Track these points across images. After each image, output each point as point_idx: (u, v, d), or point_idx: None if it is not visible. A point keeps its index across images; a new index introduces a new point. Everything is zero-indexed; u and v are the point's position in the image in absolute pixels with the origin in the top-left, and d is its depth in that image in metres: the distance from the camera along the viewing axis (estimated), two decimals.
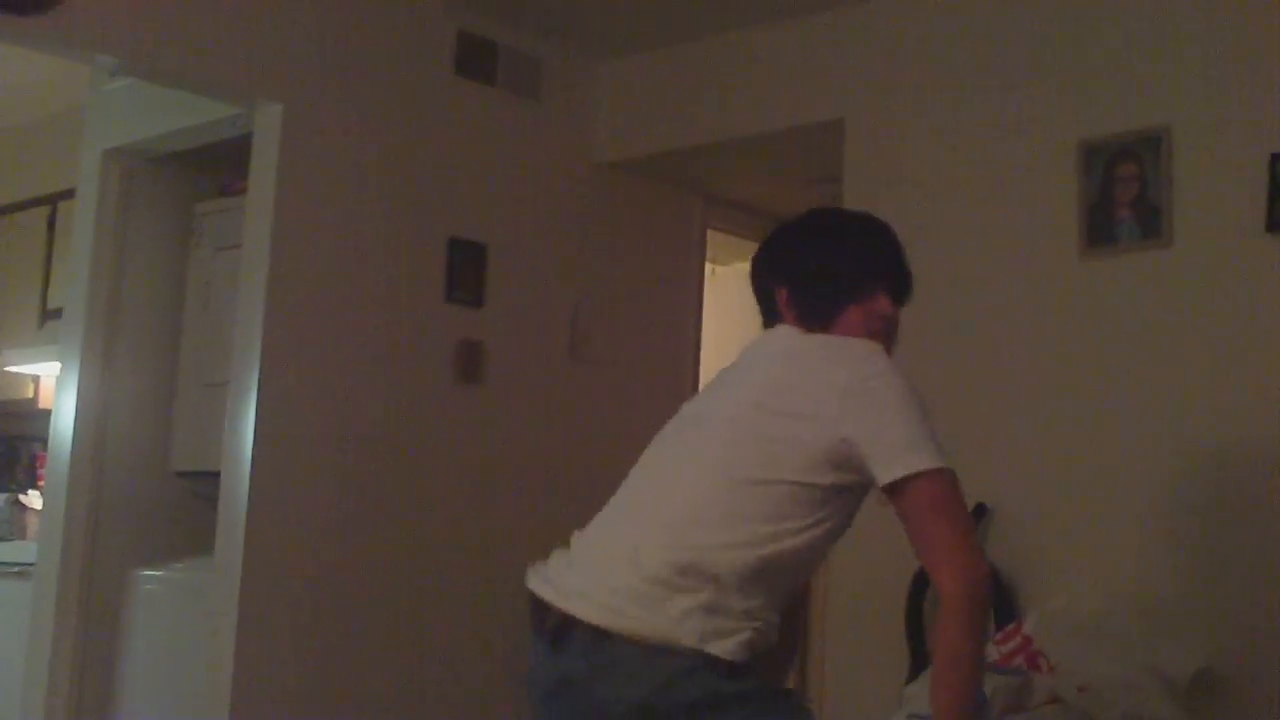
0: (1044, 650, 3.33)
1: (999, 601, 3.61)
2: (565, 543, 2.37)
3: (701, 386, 5.12)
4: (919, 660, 3.59)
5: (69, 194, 5.02)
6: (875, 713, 3.26)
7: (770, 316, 2.48)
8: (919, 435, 2.17)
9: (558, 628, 2.22)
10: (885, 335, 2.40)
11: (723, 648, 2.12)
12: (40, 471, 5.50)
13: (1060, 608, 3.48)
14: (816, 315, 2.38)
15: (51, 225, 5.79)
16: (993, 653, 3.36)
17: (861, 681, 3.85)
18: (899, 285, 2.45)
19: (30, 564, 4.73)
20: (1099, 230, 3.67)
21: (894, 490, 2.16)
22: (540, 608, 2.27)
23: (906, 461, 2.15)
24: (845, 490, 2.23)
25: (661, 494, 2.30)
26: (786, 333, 2.39)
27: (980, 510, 3.72)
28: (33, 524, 5.38)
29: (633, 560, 2.19)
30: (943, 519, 2.15)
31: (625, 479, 2.42)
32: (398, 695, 4.19)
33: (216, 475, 4.10)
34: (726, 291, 6.00)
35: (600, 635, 2.17)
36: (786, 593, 2.28)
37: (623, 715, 2.16)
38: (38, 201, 5.86)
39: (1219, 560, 3.38)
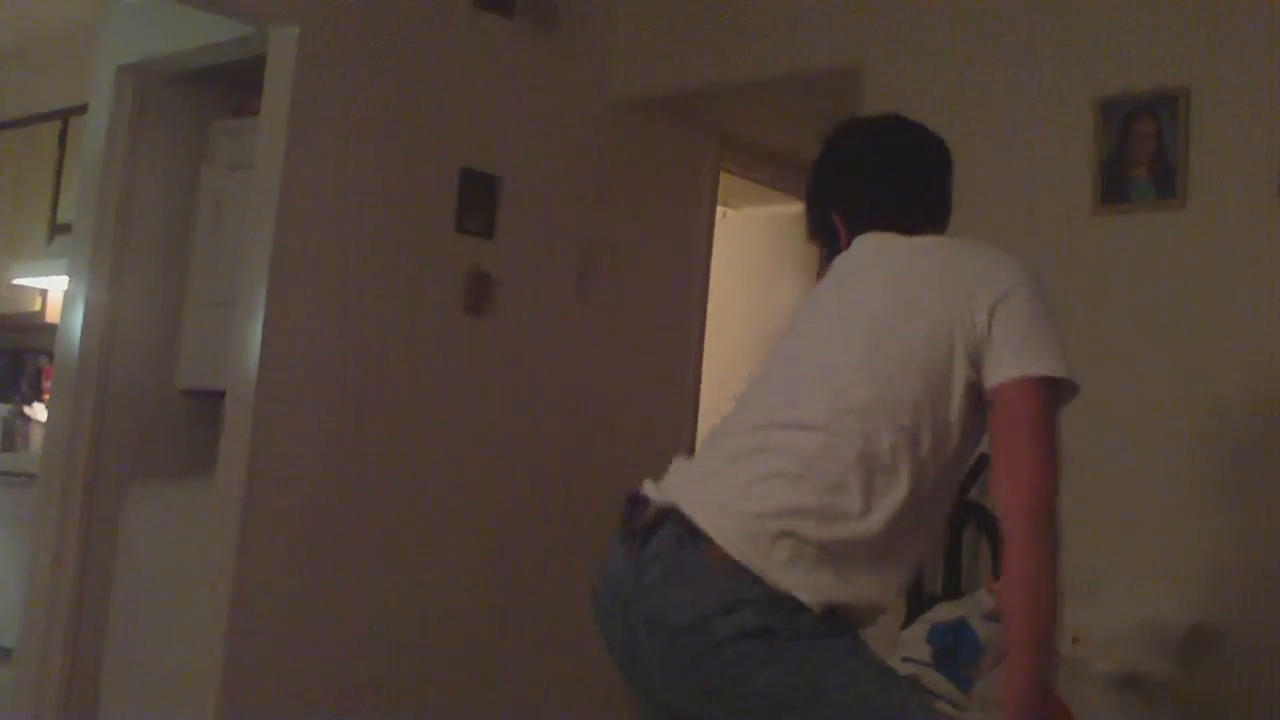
0: None
1: (998, 549, 3.63)
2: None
3: (707, 330, 5.20)
4: (915, 607, 3.61)
5: (81, 109, 5.01)
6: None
7: (829, 234, 2.45)
8: (1041, 342, 2.14)
9: (649, 524, 2.14)
10: None
11: (809, 594, 2.04)
12: (45, 384, 5.53)
13: (1059, 560, 3.49)
14: (920, 213, 2.40)
15: (63, 140, 5.79)
16: (989, 601, 3.38)
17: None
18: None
19: (33, 474, 4.76)
20: (1113, 188, 3.66)
21: (999, 390, 2.11)
22: (636, 507, 2.20)
23: (1023, 363, 2.12)
24: (975, 396, 2.16)
25: (798, 401, 2.18)
26: (897, 238, 2.34)
27: (983, 461, 3.72)
28: (37, 435, 5.41)
29: (758, 492, 2.12)
30: (1027, 423, 2.10)
31: (763, 373, 2.32)
32: (395, 614, 4.22)
33: (221, 394, 4.11)
34: (737, 235, 6.01)
35: (690, 534, 2.09)
36: (915, 556, 2.21)
37: (679, 629, 2.08)
38: (49, 116, 5.86)
39: (1218, 516, 3.39)
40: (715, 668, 2.09)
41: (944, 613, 3.31)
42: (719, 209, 5.43)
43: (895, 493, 2.10)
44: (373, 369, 4.19)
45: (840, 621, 2.08)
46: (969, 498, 3.71)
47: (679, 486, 2.20)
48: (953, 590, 3.63)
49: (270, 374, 3.96)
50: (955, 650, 3.12)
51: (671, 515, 2.13)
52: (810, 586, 2.05)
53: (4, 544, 4.99)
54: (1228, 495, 3.40)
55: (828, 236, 2.47)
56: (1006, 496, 2.10)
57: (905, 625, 3.46)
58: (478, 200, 4.46)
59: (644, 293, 5.03)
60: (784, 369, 2.28)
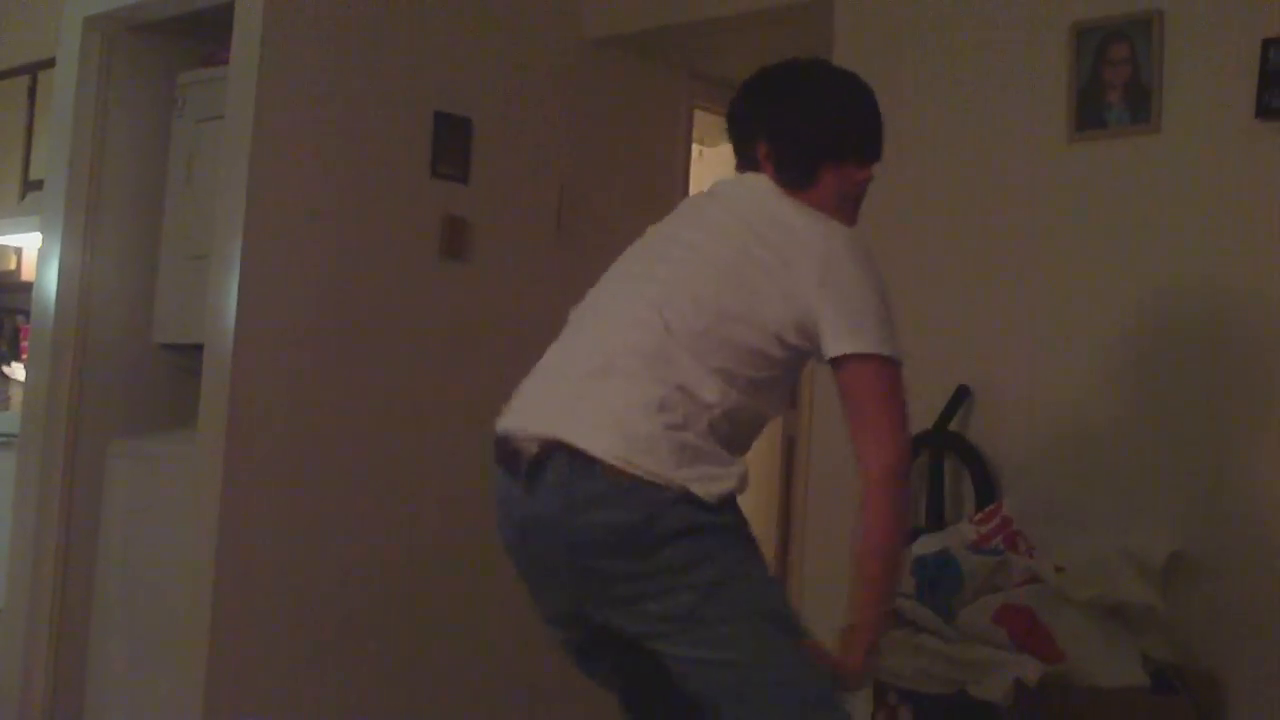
0: (1022, 531, 3.37)
1: (979, 482, 3.64)
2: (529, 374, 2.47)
3: None
4: None
5: (50, 63, 4.95)
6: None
7: (746, 163, 2.52)
8: (876, 320, 2.27)
9: (535, 461, 2.27)
10: (856, 200, 2.49)
11: (705, 489, 2.20)
12: (24, 343, 5.50)
13: (1039, 489, 3.51)
14: (796, 173, 2.43)
15: (32, 95, 5.73)
16: (971, 533, 3.40)
17: (838, 562, 3.88)
18: (875, 150, 2.50)
19: (14, 435, 4.75)
20: (1088, 113, 3.64)
21: (839, 365, 2.26)
22: (510, 445, 2.34)
23: (857, 340, 2.25)
24: (798, 356, 2.33)
25: (640, 317, 2.35)
26: (768, 189, 2.44)
27: (963, 392, 3.74)
28: (17, 395, 5.39)
29: (617, 385, 2.27)
30: (880, 403, 2.25)
31: (596, 290, 2.55)
32: (380, 565, 4.23)
33: (199, 348, 4.10)
34: (713, 172, 5.98)
35: (580, 461, 2.22)
36: (741, 448, 2.36)
37: (600, 543, 2.21)
38: (18, 70, 5.79)
39: (1197, 445, 3.40)
40: (639, 577, 2.22)
41: (927, 545, 3.33)
42: (694, 147, 5.41)
43: (732, 392, 2.27)
44: (351, 317, 4.17)
45: (736, 508, 2.28)
46: (950, 429, 3.72)
47: (547, 414, 2.33)
48: (935, 522, 3.65)
49: (248, 326, 3.95)
50: (938, 581, 3.14)
51: (556, 447, 2.25)
52: (702, 480, 2.21)
53: None
54: (1206, 424, 3.41)
55: (745, 159, 2.54)
56: (865, 466, 2.26)
57: None
58: (452, 144, 4.43)
59: (621, 233, 4.94)
60: (623, 294, 2.48)
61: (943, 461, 3.73)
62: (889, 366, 2.26)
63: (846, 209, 2.46)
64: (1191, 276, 3.46)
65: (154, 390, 4.65)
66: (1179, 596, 3.28)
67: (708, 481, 2.20)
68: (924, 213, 3.87)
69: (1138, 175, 3.56)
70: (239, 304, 3.92)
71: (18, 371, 5.47)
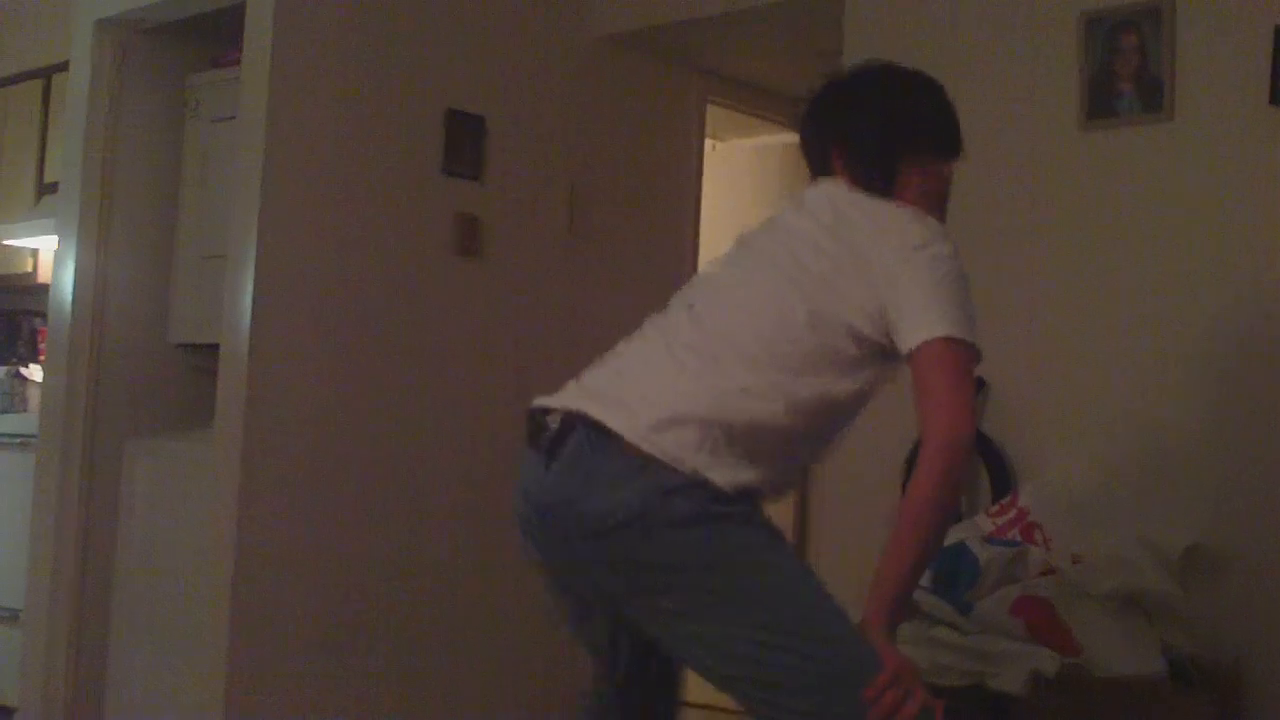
0: (1039, 522, 3.36)
1: (996, 474, 3.64)
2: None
3: (699, 263, 5.18)
4: None
5: (63, 66, 4.97)
6: (867, 581, 3.29)
7: (820, 172, 2.50)
8: (955, 305, 2.22)
9: (557, 434, 2.24)
10: (941, 196, 2.46)
11: (721, 476, 2.15)
12: (41, 345, 5.52)
13: (1056, 480, 3.51)
14: (875, 174, 2.40)
15: (46, 98, 5.74)
16: (988, 524, 3.39)
17: (853, 551, 3.89)
18: (953, 143, 2.50)
19: (32, 436, 4.77)
20: (1099, 103, 3.64)
21: (916, 345, 2.20)
22: (539, 419, 2.30)
23: (935, 322, 2.19)
24: (877, 356, 2.27)
25: (700, 326, 2.31)
26: (842, 189, 2.41)
27: (979, 384, 3.73)
28: (34, 396, 5.41)
29: (660, 372, 2.25)
30: (947, 375, 2.18)
31: (670, 303, 2.44)
32: (398, 563, 4.23)
33: (215, 347, 4.11)
34: (726, 167, 5.99)
35: (600, 436, 2.19)
36: (804, 455, 2.33)
37: (611, 530, 2.16)
38: (32, 74, 5.81)
39: (1213, 436, 3.40)
40: (646, 563, 2.17)
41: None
42: (707, 141, 5.41)
43: (800, 393, 2.22)
44: (364, 315, 4.18)
45: (754, 503, 2.22)
46: None
47: (581, 392, 2.31)
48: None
49: (263, 325, 3.96)
50: (954, 574, 3.14)
51: (578, 420, 2.22)
52: (722, 469, 2.15)
53: (9, 506, 5.00)
54: (1223, 414, 3.40)
55: (825, 170, 2.51)
56: (926, 441, 2.19)
57: None
58: (464, 141, 4.43)
59: (635, 229, 5.01)
60: (702, 296, 2.39)
61: None
62: (965, 349, 2.20)
63: (933, 208, 2.42)
64: (1205, 265, 3.45)
65: (170, 390, 4.67)
66: (1197, 588, 3.27)
67: (727, 470, 2.16)
68: None
69: (1150, 164, 3.55)
70: (254, 303, 3.93)
71: (35, 373, 5.49)
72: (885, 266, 2.23)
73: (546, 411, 2.30)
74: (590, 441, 2.20)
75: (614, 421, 2.19)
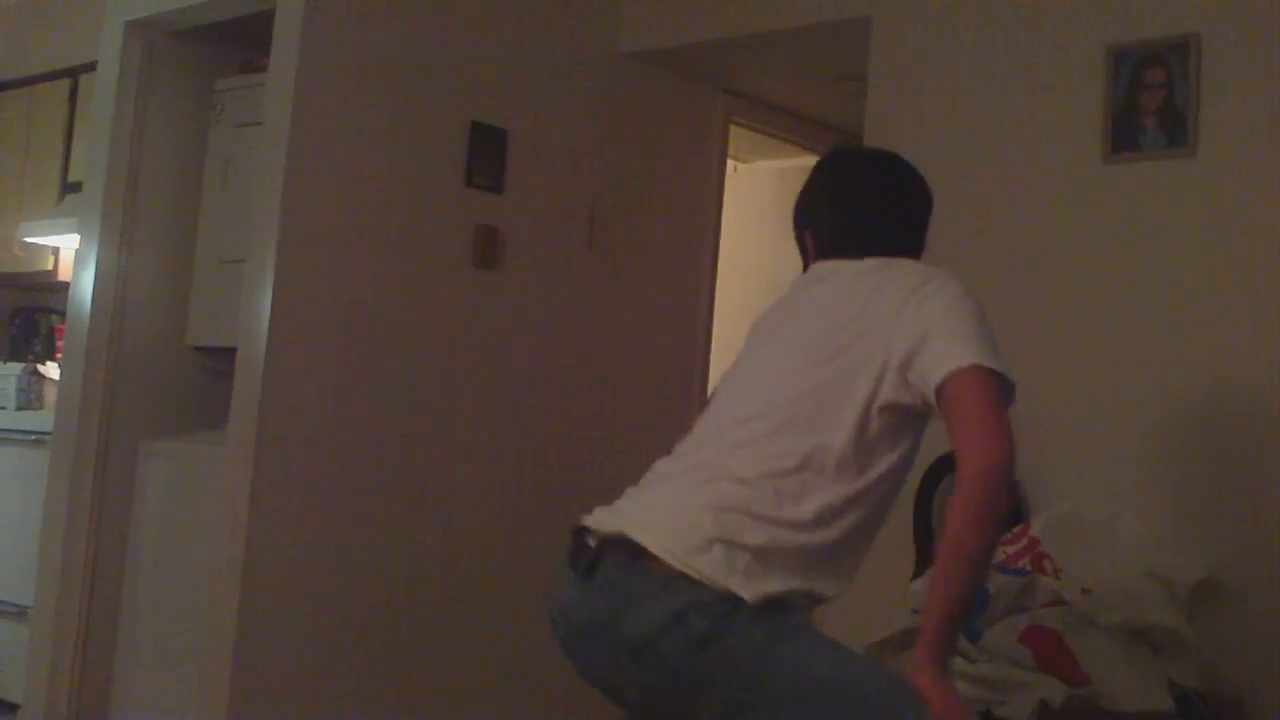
0: (1050, 553, 3.36)
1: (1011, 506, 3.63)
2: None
3: (718, 284, 5.19)
4: (925, 557, 3.62)
5: (91, 66, 5.00)
6: (881, 609, 3.29)
7: (804, 253, 2.58)
8: (979, 337, 2.21)
9: (594, 555, 2.23)
10: None
11: (751, 589, 2.12)
12: (59, 343, 5.54)
13: (1066, 512, 3.50)
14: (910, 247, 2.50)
15: (73, 98, 5.77)
16: (998, 553, 3.39)
17: (868, 577, 3.88)
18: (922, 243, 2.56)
19: (47, 433, 4.79)
20: (1123, 137, 3.64)
21: (946, 379, 2.17)
22: (580, 539, 2.29)
23: (958, 356, 2.17)
24: (906, 416, 2.25)
25: (730, 442, 2.29)
26: (838, 264, 2.45)
27: None
28: (51, 394, 5.42)
29: (697, 486, 2.24)
30: (978, 401, 2.15)
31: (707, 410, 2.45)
32: (408, 570, 4.24)
33: (232, 351, 4.12)
34: (747, 189, 5.99)
35: (634, 557, 2.18)
36: (851, 563, 2.29)
37: (644, 647, 2.15)
38: (59, 74, 5.85)
39: (1228, 469, 3.39)
40: (679, 679, 2.15)
41: None
42: (729, 163, 5.42)
43: (829, 503, 2.19)
44: (383, 324, 4.19)
45: (782, 610, 2.16)
46: None
47: (623, 512, 2.29)
48: (926, 562, 3.63)
49: (280, 330, 3.97)
50: None
51: (615, 541, 2.21)
52: (748, 583, 2.12)
53: (21, 502, 5.01)
54: (1236, 448, 3.39)
55: (802, 251, 2.58)
56: (962, 467, 2.15)
57: (915, 577, 3.47)
58: (487, 154, 4.45)
59: (654, 247, 5.02)
60: (724, 404, 2.40)
61: None
62: (996, 378, 2.17)
63: None
64: (1226, 300, 3.44)
65: (186, 392, 4.69)
66: (1207, 622, 3.26)
67: (759, 581, 2.13)
68: (957, 233, 3.86)
69: (1172, 199, 3.55)
70: (272, 308, 3.95)
71: (52, 370, 5.51)
72: (905, 312, 2.24)
73: (588, 531, 2.29)
74: (623, 562, 2.20)
75: (645, 538, 2.18)
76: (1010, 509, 2.28)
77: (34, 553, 4.65)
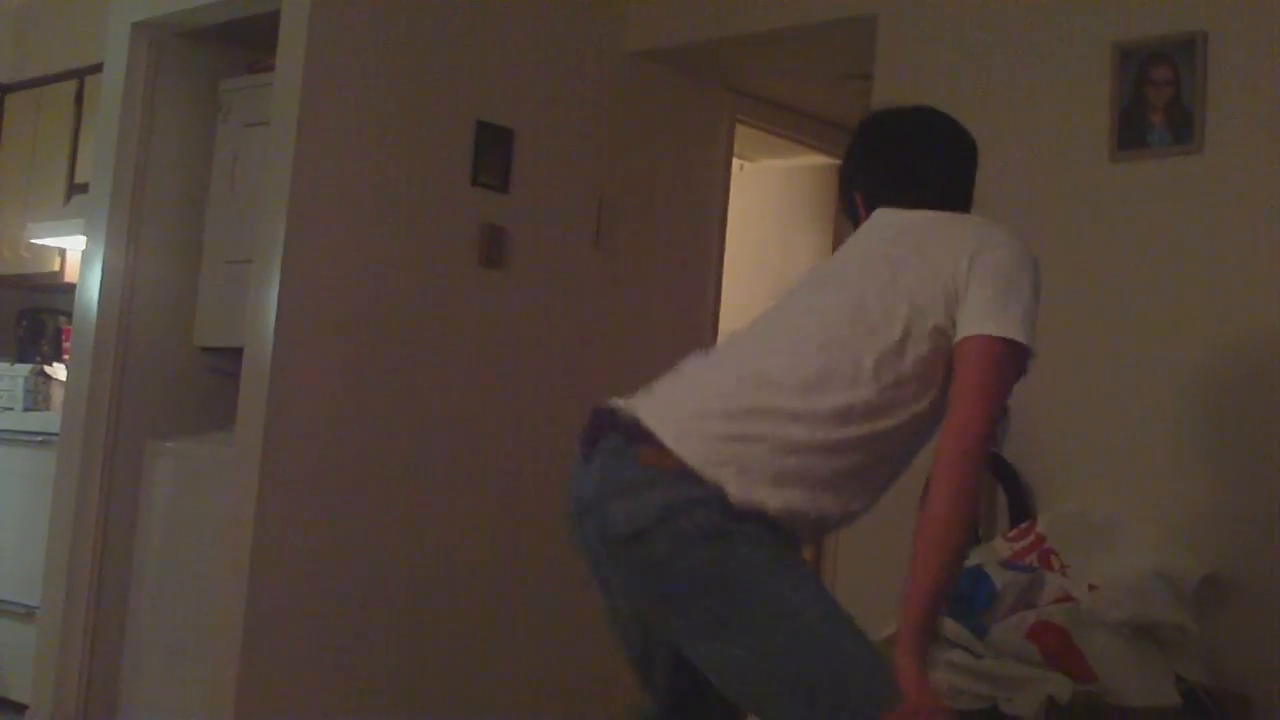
0: (1057, 549, 3.36)
1: (1015, 500, 3.63)
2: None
3: (724, 284, 5.19)
4: None
5: (97, 68, 5.01)
6: (880, 609, 3.29)
7: (854, 213, 2.56)
8: (1009, 304, 2.20)
9: (593, 429, 2.23)
10: None
11: (744, 492, 2.10)
12: (66, 344, 5.55)
13: (1073, 508, 3.50)
14: (957, 203, 2.48)
15: (79, 99, 5.78)
16: (1005, 549, 3.39)
17: (870, 576, 3.88)
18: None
19: (54, 434, 4.79)
20: (1130, 134, 3.63)
21: (960, 345, 2.19)
22: (595, 417, 2.27)
23: (979, 323, 2.18)
24: (942, 358, 2.22)
25: (765, 342, 2.29)
26: (892, 212, 2.44)
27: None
28: (57, 395, 5.43)
29: (716, 384, 2.23)
30: (979, 373, 2.16)
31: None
32: (413, 569, 4.24)
33: (239, 351, 4.13)
34: (754, 188, 5.99)
35: (630, 440, 2.16)
36: (860, 488, 2.23)
37: (622, 540, 2.14)
38: (66, 75, 5.85)
39: (1235, 466, 3.39)
40: (658, 575, 2.14)
41: None
42: (735, 162, 5.41)
43: (851, 403, 2.16)
44: (389, 324, 4.20)
45: (781, 531, 2.14)
46: None
47: (650, 392, 2.28)
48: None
49: (287, 330, 3.98)
50: (971, 597, 3.13)
51: (617, 422, 2.20)
52: (757, 491, 2.11)
53: (29, 504, 5.02)
54: (1243, 444, 3.39)
55: (853, 214, 2.57)
56: (943, 438, 2.16)
57: None
58: (493, 153, 4.45)
59: (661, 247, 5.02)
60: (768, 323, 2.37)
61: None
62: (1010, 352, 2.18)
63: None
64: (1232, 298, 3.44)
65: (193, 392, 4.69)
66: (1213, 618, 3.26)
67: (751, 487, 2.10)
68: None
69: (1179, 196, 3.55)
70: (279, 309, 3.95)
71: (59, 372, 5.52)
72: (958, 254, 2.24)
73: (607, 410, 2.27)
74: (618, 446, 2.18)
75: (653, 423, 2.16)
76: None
77: (41, 553, 4.65)
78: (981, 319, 2.19)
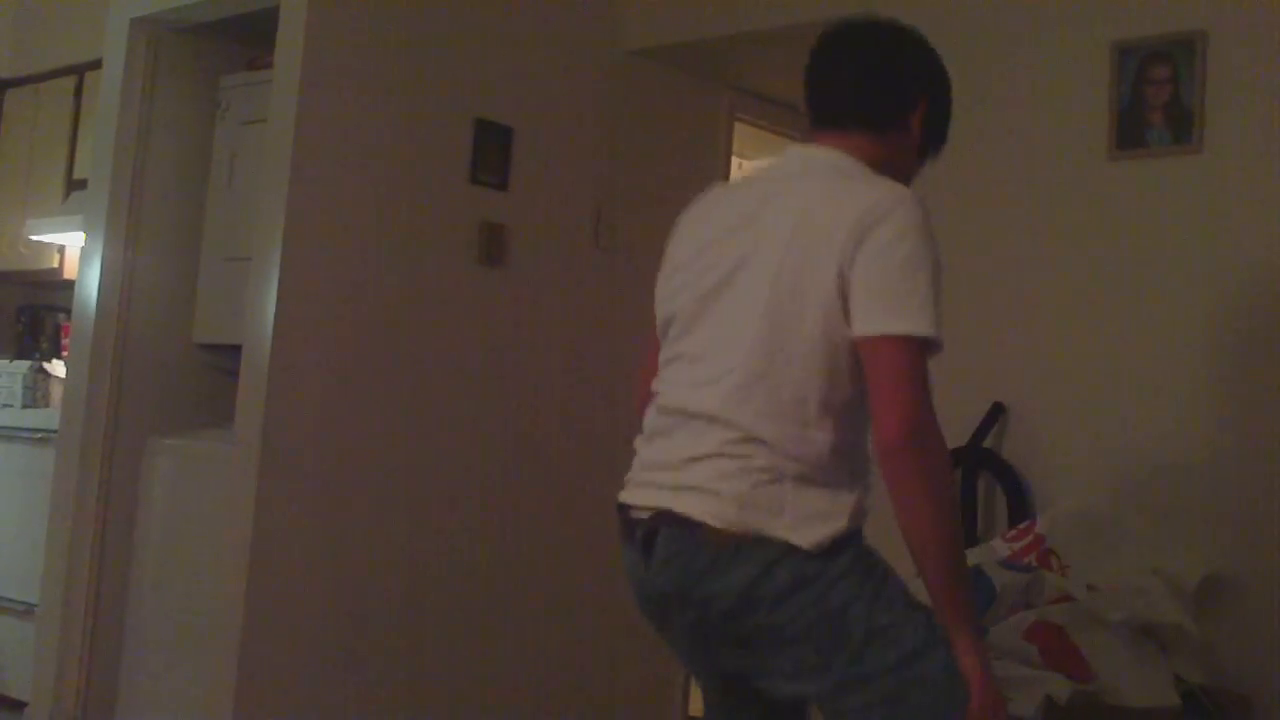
0: (1056, 549, 3.36)
1: (1014, 500, 3.63)
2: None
3: None
4: None
5: (96, 64, 5.00)
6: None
7: (822, 108, 2.43)
8: (908, 294, 2.08)
9: (647, 534, 2.21)
10: (919, 152, 2.44)
11: (808, 537, 2.10)
12: (65, 341, 5.55)
13: (1073, 508, 3.50)
14: (875, 122, 2.36)
15: (78, 95, 5.78)
16: (1004, 549, 3.39)
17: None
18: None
19: (53, 431, 4.79)
20: (1129, 133, 3.64)
21: (864, 344, 2.10)
22: (628, 516, 2.27)
23: (884, 321, 2.08)
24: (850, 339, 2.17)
25: (722, 361, 2.22)
26: (821, 163, 2.32)
27: (998, 409, 3.73)
28: (57, 392, 5.43)
29: (710, 434, 2.18)
30: (898, 376, 2.07)
31: (672, 333, 2.40)
32: (413, 567, 4.24)
33: (238, 348, 4.13)
34: None
35: (685, 527, 2.15)
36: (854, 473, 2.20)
37: (723, 612, 2.14)
38: (65, 71, 5.85)
39: (1234, 466, 3.39)
40: (768, 632, 2.13)
41: None
42: (734, 159, 5.41)
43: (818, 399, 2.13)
44: (387, 321, 4.19)
45: (849, 546, 2.14)
46: (984, 445, 3.72)
47: (651, 483, 2.25)
48: (968, 538, 3.63)
49: (286, 327, 3.97)
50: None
51: (663, 517, 2.19)
52: (800, 526, 2.10)
53: (28, 501, 5.02)
54: (1244, 445, 3.39)
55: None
56: (880, 456, 2.10)
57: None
58: (492, 151, 4.45)
59: (660, 244, 4.99)
60: (696, 336, 2.33)
61: (976, 478, 3.73)
62: (912, 346, 2.07)
63: (913, 166, 2.43)
64: (1231, 296, 3.44)
65: (192, 389, 4.68)
66: (1212, 618, 3.26)
67: (807, 527, 2.10)
68: (963, 230, 3.86)
69: (1178, 195, 3.55)
70: (278, 306, 3.95)
71: (58, 368, 5.51)
72: (845, 245, 2.10)
73: (628, 508, 2.27)
74: (677, 535, 2.16)
75: (692, 509, 2.15)
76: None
77: (40, 550, 4.65)
78: (874, 318, 2.09)
